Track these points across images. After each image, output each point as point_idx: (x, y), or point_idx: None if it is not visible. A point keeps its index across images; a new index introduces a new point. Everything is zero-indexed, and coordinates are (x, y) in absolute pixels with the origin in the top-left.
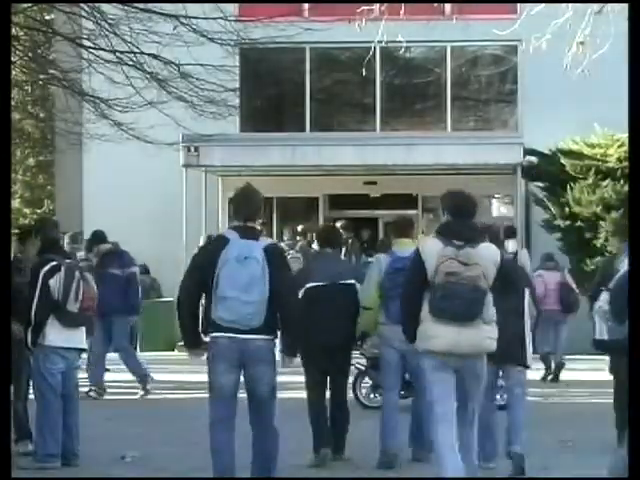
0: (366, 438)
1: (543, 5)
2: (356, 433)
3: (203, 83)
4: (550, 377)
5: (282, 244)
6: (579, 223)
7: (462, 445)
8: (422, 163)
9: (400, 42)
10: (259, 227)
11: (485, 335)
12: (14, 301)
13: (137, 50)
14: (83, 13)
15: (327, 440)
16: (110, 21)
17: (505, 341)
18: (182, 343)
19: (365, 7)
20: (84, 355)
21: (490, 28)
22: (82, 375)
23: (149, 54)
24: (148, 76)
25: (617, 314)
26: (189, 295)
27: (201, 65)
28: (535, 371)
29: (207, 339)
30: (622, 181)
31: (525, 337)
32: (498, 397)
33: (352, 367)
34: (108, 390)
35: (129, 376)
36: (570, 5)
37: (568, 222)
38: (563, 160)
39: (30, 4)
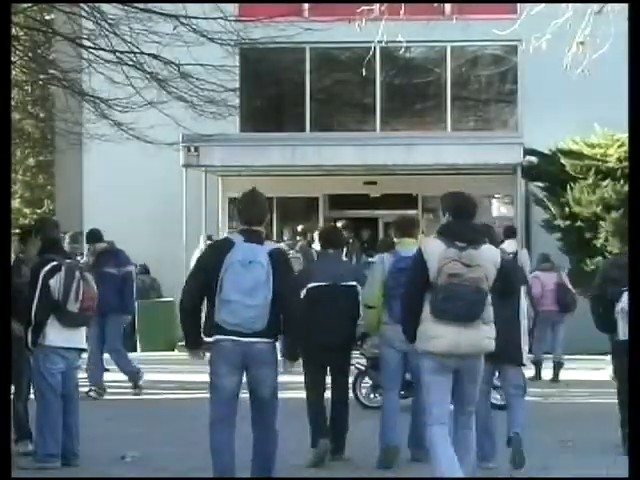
0: (366, 438)
1: (543, 5)
2: (356, 433)
3: (203, 83)
4: (550, 377)
5: (282, 244)
6: (579, 223)
7: (461, 445)
8: (422, 163)
9: (400, 42)
10: (264, 230)
11: (484, 335)
12: (15, 301)
13: (137, 50)
14: (83, 13)
15: (326, 433)
16: (110, 21)
17: (503, 341)
18: (182, 343)
19: (365, 7)
20: (84, 355)
21: (490, 28)
22: (82, 375)
23: (149, 54)
24: (148, 76)
25: None
26: (192, 298)
27: (201, 65)
28: (531, 371)
29: (209, 339)
30: (622, 181)
31: (521, 337)
32: (498, 397)
33: (352, 367)
34: (108, 390)
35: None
36: (570, 5)
37: (568, 222)
38: (563, 160)
39: (30, 4)
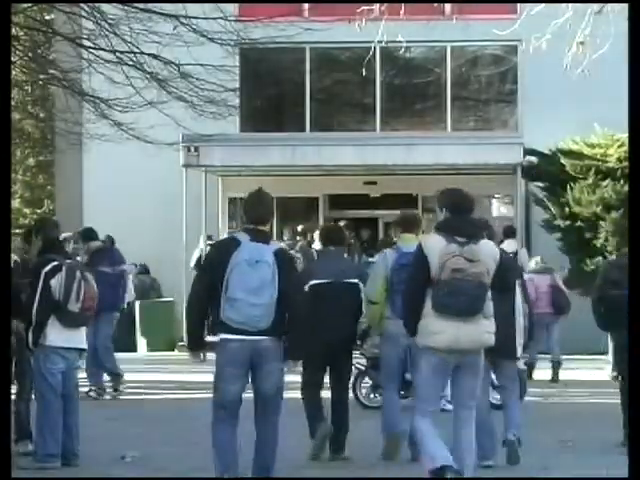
0: (366, 438)
1: (543, 5)
2: (356, 433)
3: (203, 83)
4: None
5: (282, 244)
6: (579, 223)
7: (461, 443)
8: (422, 163)
9: (400, 42)
10: (269, 230)
11: (484, 330)
12: (19, 301)
13: (137, 50)
14: (83, 13)
15: (323, 419)
16: (110, 21)
17: (499, 336)
18: (182, 343)
19: (365, 7)
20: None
21: (490, 28)
22: (82, 375)
23: (149, 54)
24: (148, 76)
25: None
26: (199, 299)
27: (201, 65)
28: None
29: (212, 339)
30: (622, 181)
31: (517, 333)
32: (497, 397)
33: (352, 367)
34: (108, 390)
35: (129, 376)
36: (570, 5)
37: (568, 222)
38: (563, 160)
39: (30, 4)
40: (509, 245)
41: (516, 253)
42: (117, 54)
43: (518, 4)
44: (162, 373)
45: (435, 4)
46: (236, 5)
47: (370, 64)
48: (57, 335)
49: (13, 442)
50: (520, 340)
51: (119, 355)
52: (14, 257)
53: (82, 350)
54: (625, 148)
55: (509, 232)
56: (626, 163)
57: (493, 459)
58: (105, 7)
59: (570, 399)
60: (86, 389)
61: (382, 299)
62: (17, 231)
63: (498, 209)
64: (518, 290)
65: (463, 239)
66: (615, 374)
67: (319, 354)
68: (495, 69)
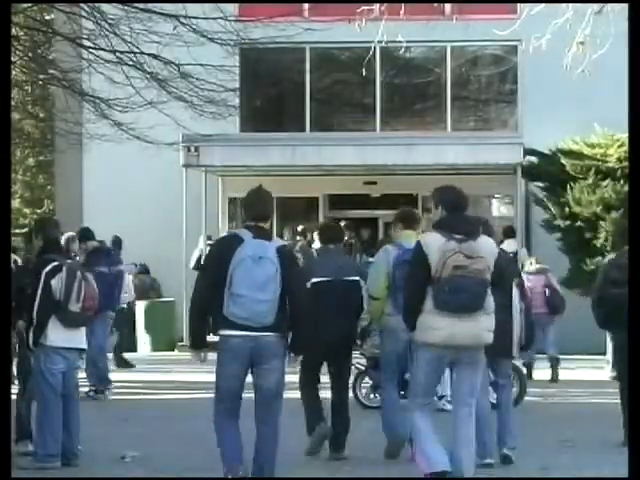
0: (366, 438)
1: (543, 5)
2: (356, 433)
3: (203, 83)
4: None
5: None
6: (579, 223)
7: (461, 440)
8: (422, 163)
9: (400, 42)
10: (269, 227)
11: (483, 327)
12: (21, 301)
13: (137, 50)
14: (83, 13)
15: (322, 418)
16: (110, 21)
17: (497, 334)
18: (183, 343)
19: (365, 7)
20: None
21: (490, 28)
22: (82, 375)
23: (149, 54)
24: (148, 76)
25: None
26: (202, 298)
27: (201, 65)
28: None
29: (214, 339)
30: (622, 181)
31: (514, 330)
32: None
33: (352, 367)
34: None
35: (129, 376)
36: (570, 5)
37: (568, 222)
38: (563, 160)
39: (30, 4)
40: (509, 245)
41: (516, 253)
42: (117, 54)
43: (518, 4)
44: (162, 373)
45: (435, 4)
46: (236, 5)
47: (370, 64)
48: (58, 335)
49: (13, 442)
50: (516, 339)
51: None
52: (14, 257)
53: (82, 350)
54: (625, 148)
55: (509, 232)
56: (626, 163)
57: (492, 457)
58: (105, 7)
59: (570, 399)
60: (86, 389)
61: (384, 295)
62: (17, 231)
63: (498, 209)
64: (515, 289)
65: (461, 236)
66: (615, 374)
67: (319, 353)
68: (495, 69)
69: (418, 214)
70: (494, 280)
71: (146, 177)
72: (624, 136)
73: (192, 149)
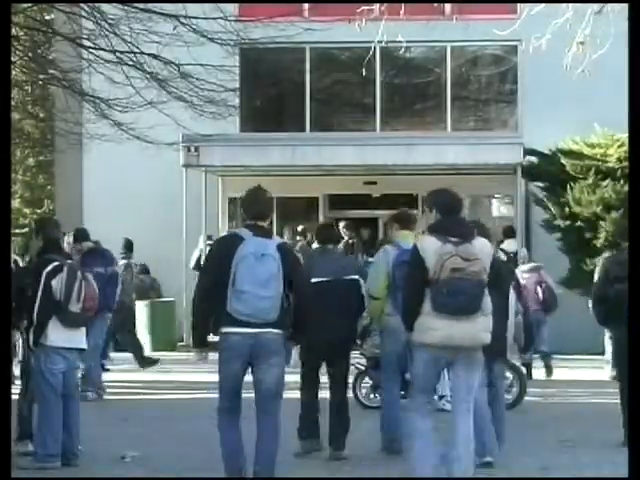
0: (366, 438)
1: (543, 5)
2: (356, 433)
3: (203, 83)
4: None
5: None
6: (579, 223)
7: (460, 439)
8: (422, 163)
9: (400, 42)
10: (268, 226)
11: (481, 327)
12: (22, 301)
13: (137, 50)
14: (83, 13)
15: (313, 433)
16: (110, 21)
17: (494, 334)
18: (183, 343)
19: (365, 7)
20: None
21: (490, 28)
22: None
23: (149, 54)
24: (148, 76)
25: None
26: (205, 296)
27: (201, 65)
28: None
29: (215, 339)
30: (622, 181)
31: (508, 332)
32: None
33: (352, 367)
34: (108, 390)
35: (129, 376)
36: (570, 5)
37: (568, 222)
38: (563, 160)
39: (30, 4)
40: (509, 245)
41: (516, 253)
42: (117, 54)
43: (518, 4)
44: (162, 373)
45: (435, 4)
46: (236, 5)
47: (370, 64)
48: (58, 335)
49: (13, 442)
50: (511, 340)
51: (120, 355)
52: (14, 257)
53: (82, 350)
54: (625, 148)
55: (509, 232)
56: (626, 163)
57: (491, 455)
58: (105, 7)
59: (570, 399)
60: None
61: (383, 295)
62: (17, 231)
63: (498, 209)
64: (512, 291)
65: (457, 239)
66: (615, 374)
67: (319, 353)
68: (495, 69)
69: (413, 214)
70: (491, 281)
71: (146, 177)
72: (624, 136)
73: (192, 149)
